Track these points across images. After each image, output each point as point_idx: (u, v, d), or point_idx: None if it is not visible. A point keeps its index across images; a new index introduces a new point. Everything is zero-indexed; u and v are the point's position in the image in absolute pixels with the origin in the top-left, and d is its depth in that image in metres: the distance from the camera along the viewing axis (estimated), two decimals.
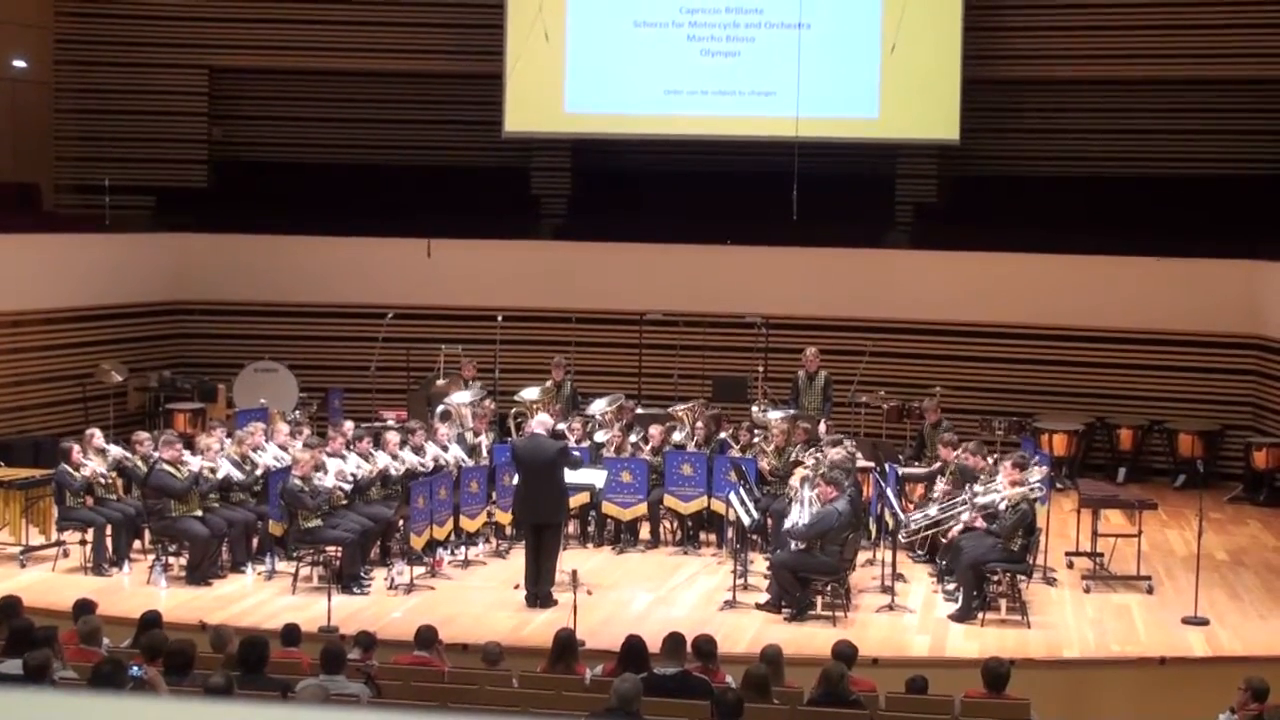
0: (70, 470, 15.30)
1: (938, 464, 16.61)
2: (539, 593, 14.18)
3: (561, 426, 16.47)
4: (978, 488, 14.86)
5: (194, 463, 15.04)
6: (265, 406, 19.02)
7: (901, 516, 14.87)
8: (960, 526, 14.72)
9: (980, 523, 14.51)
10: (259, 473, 15.73)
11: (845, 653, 10.78)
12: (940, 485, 15.94)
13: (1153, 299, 21.26)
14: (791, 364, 20.20)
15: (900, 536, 15.05)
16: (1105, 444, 21.27)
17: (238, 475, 15.47)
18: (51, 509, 15.70)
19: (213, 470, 15.19)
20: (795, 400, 19.15)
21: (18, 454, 18.48)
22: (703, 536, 16.94)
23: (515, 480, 15.12)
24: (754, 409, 18.86)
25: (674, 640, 10.45)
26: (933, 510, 15.27)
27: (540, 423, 15.06)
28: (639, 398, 20.40)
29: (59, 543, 15.57)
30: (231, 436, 16.34)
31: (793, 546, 14.29)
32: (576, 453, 15.44)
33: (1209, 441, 20.51)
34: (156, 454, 15.22)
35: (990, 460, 15.78)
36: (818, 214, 21.41)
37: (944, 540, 15.06)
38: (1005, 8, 22.96)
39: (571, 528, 16.60)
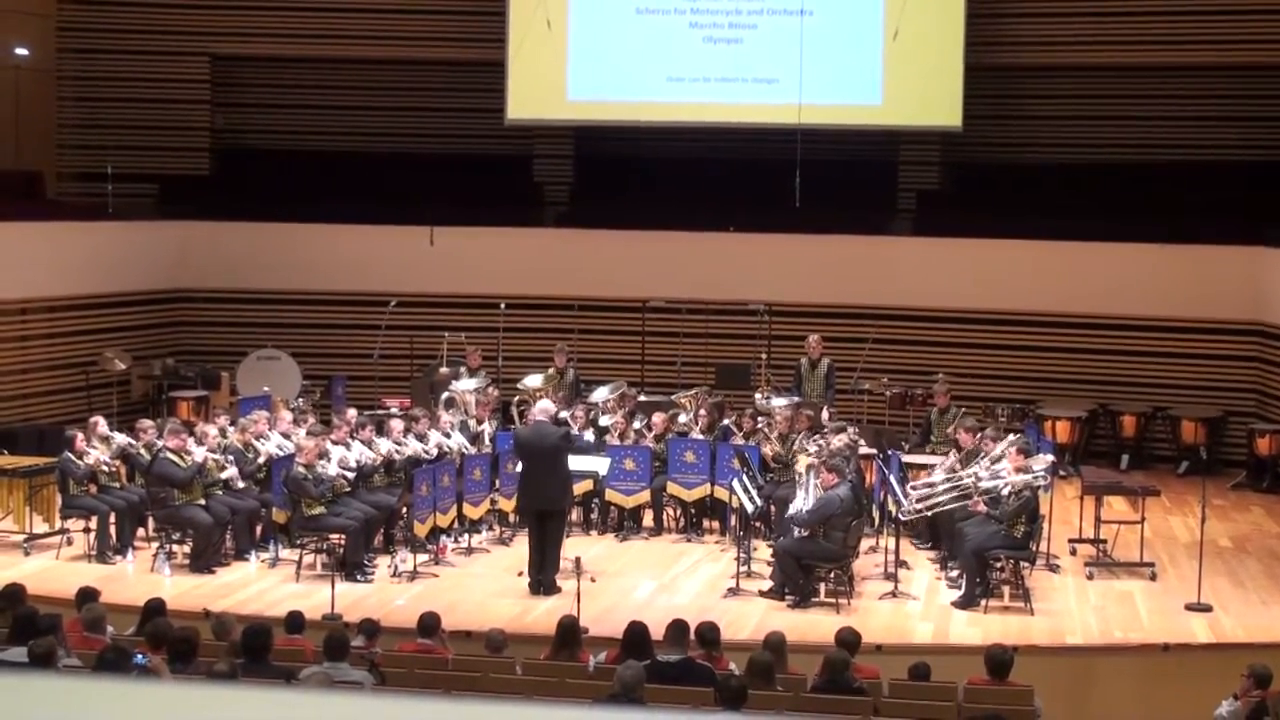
0: (73, 458, 15.31)
1: (951, 454, 16.53)
2: (544, 580, 14.19)
3: (564, 414, 16.46)
4: (982, 472, 14.84)
5: (198, 452, 15.04)
6: (268, 394, 19.03)
7: (904, 503, 14.85)
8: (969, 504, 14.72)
9: (981, 506, 14.52)
10: (261, 460, 15.74)
11: (848, 640, 10.79)
12: (950, 460, 15.89)
13: (1155, 285, 21.24)
14: (794, 351, 20.18)
15: (900, 516, 15.01)
16: (1108, 431, 21.27)
17: (239, 481, 15.44)
18: (55, 497, 15.71)
19: (218, 464, 15.20)
20: (797, 387, 19.15)
21: (22, 442, 18.49)
22: (706, 524, 16.96)
23: (518, 468, 15.20)
24: (757, 396, 18.86)
25: (677, 627, 10.47)
26: (940, 496, 15.23)
27: (542, 409, 15.05)
28: (642, 385, 20.41)
29: (63, 530, 15.59)
30: (235, 424, 16.37)
31: (796, 533, 14.30)
32: (578, 435, 15.45)
33: (1212, 428, 20.51)
34: (161, 442, 15.24)
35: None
36: (820, 201, 21.41)
37: (967, 507, 14.91)
38: None
39: (574, 515, 16.60)
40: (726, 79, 23.24)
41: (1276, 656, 11.28)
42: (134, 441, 15.71)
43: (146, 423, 16.06)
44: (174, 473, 14.78)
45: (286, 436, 16.17)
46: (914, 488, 15.16)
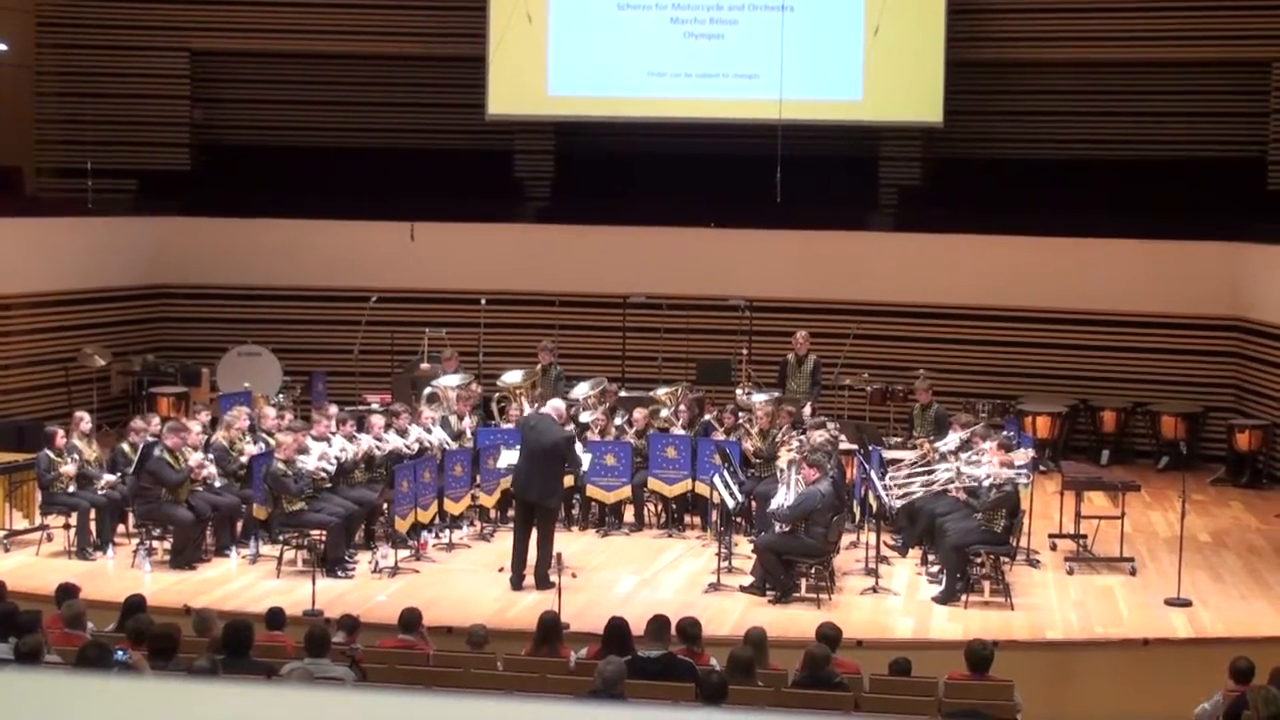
0: (52, 455, 15.25)
1: (924, 445, 16.60)
2: (537, 574, 14.18)
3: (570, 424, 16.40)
4: (964, 467, 14.88)
5: (195, 457, 15.02)
6: (249, 390, 18.99)
7: (885, 498, 14.86)
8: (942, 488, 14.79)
9: (962, 494, 14.56)
10: (244, 459, 15.70)
11: (829, 635, 10.80)
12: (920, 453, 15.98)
13: (1135, 281, 21.30)
14: (775, 346, 20.21)
15: (893, 504, 15.03)
16: (1088, 426, 21.32)
17: (218, 480, 15.39)
18: (35, 493, 15.67)
19: (203, 469, 15.18)
20: (781, 382, 19.13)
21: (1, 438, 18.43)
22: (687, 519, 16.96)
23: (499, 459, 15.33)
24: (738, 391, 18.87)
25: (659, 623, 10.47)
26: (918, 486, 15.28)
27: (553, 407, 15.03)
28: (622, 381, 20.39)
29: (43, 526, 15.55)
30: (216, 422, 16.36)
31: (777, 529, 14.32)
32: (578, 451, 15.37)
33: (1191, 423, 20.56)
34: (153, 438, 15.24)
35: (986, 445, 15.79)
36: (801, 197, 21.41)
37: (948, 492, 14.96)
38: None
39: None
40: (707, 74, 23.23)
41: (1255, 651, 11.31)
42: (116, 472, 15.58)
43: (139, 424, 15.98)
44: (167, 474, 14.73)
45: (271, 434, 16.12)
46: (893, 479, 15.22)
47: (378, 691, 2.52)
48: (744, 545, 15.41)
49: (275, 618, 11.41)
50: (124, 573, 14.64)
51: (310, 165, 24.24)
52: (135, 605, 11.10)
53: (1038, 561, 15.46)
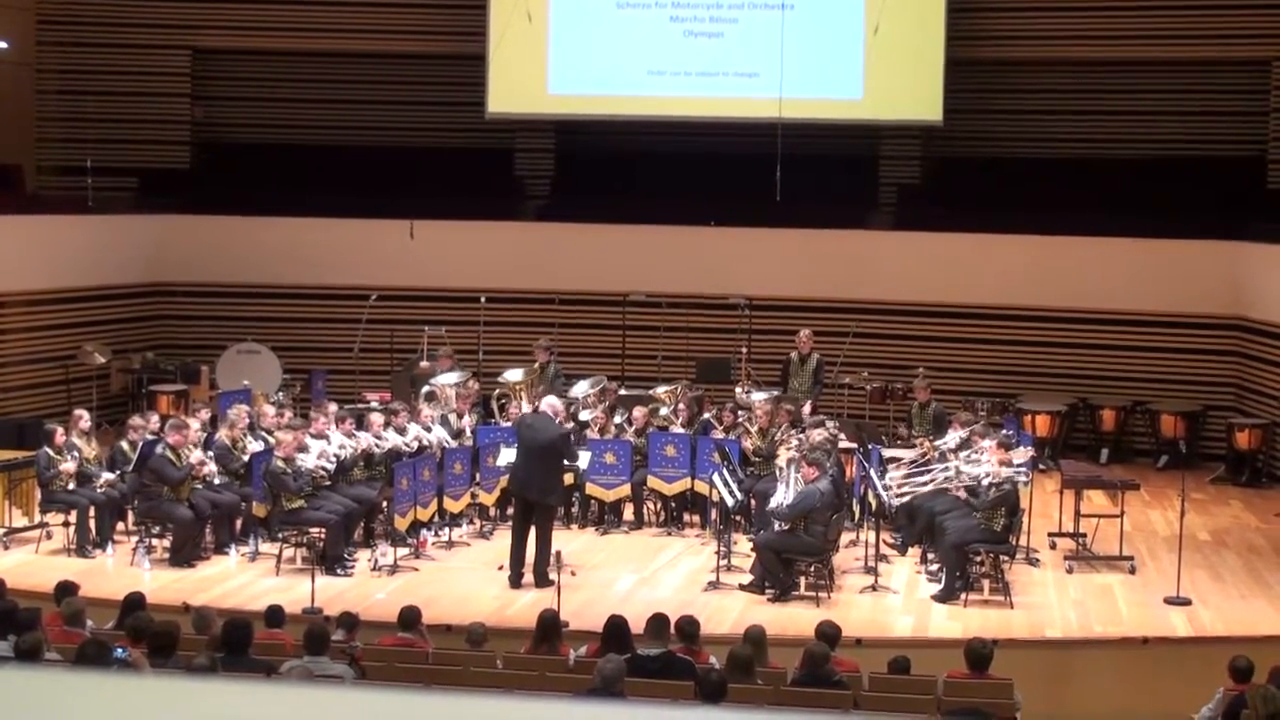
0: (52, 453, 15.25)
1: (924, 443, 16.61)
2: (536, 572, 14.17)
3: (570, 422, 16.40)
4: (964, 465, 14.89)
5: (195, 454, 15.02)
6: (248, 388, 18.98)
7: (885, 497, 14.87)
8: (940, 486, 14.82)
9: (962, 493, 14.56)
10: (246, 458, 15.69)
11: (828, 633, 10.81)
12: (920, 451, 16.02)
13: (1135, 280, 21.29)
14: (775, 345, 20.22)
15: (890, 501, 15.04)
16: (1088, 425, 21.33)
17: (216, 477, 15.38)
18: (34, 491, 15.66)
19: (204, 466, 15.16)
20: (784, 381, 19.13)
21: (1, 436, 18.43)
22: (686, 517, 16.96)
23: (499, 457, 15.33)
24: (737, 390, 18.87)
25: (658, 621, 10.47)
26: (919, 484, 15.29)
27: (550, 404, 15.04)
28: (622, 379, 20.39)
29: (42, 524, 15.54)
30: (216, 420, 16.35)
31: (776, 527, 14.32)
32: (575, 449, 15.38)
33: (1191, 422, 20.56)
34: (152, 436, 15.23)
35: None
36: (801, 195, 21.41)
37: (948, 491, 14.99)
38: None
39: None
40: (707, 73, 23.23)
41: (1254, 650, 11.31)
42: (116, 470, 15.58)
43: (139, 421, 15.99)
44: (169, 472, 14.72)
45: (270, 432, 16.12)
46: (892, 479, 15.23)
47: (377, 689, 2.52)
48: (743, 544, 15.41)
49: (274, 615, 11.41)
50: (123, 570, 14.64)
51: (310, 163, 24.24)
52: (134, 603, 11.10)
53: (1037, 560, 15.45)
